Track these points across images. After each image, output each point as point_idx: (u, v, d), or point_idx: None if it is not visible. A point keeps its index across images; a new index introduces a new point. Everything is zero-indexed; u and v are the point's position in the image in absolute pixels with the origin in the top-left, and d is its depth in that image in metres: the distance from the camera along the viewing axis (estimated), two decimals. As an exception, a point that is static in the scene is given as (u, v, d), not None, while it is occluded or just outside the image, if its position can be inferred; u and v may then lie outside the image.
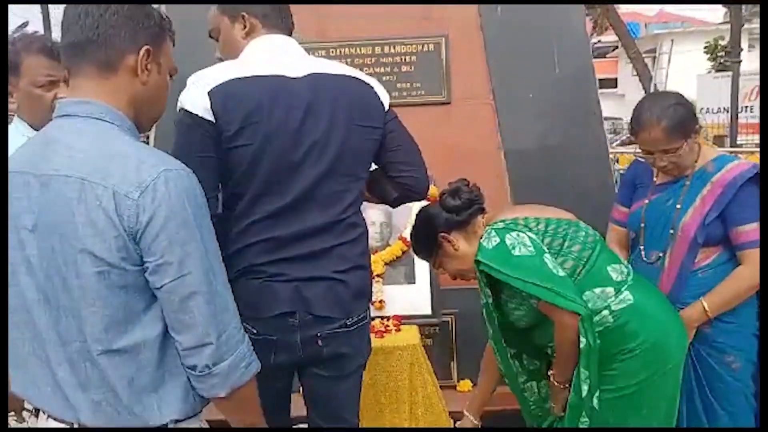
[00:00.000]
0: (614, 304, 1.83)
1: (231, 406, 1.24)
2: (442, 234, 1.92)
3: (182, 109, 1.51)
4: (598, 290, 1.84)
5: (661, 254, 2.09)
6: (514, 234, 1.81)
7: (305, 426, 1.84)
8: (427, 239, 1.97)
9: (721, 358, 2.01)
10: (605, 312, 1.83)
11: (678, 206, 2.06)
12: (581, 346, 1.76)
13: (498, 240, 1.81)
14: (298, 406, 1.81)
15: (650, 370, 1.83)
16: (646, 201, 2.15)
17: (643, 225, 2.15)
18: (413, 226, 2.04)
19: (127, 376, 1.15)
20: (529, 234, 1.82)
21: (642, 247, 2.15)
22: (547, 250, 1.81)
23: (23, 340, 1.20)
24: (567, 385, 1.88)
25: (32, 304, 1.17)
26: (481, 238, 1.86)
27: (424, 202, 2.06)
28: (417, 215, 2.03)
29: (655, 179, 2.16)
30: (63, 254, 1.11)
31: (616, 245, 2.27)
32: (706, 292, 2.01)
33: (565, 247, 1.85)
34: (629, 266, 1.98)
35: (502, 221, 1.87)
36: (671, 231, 2.06)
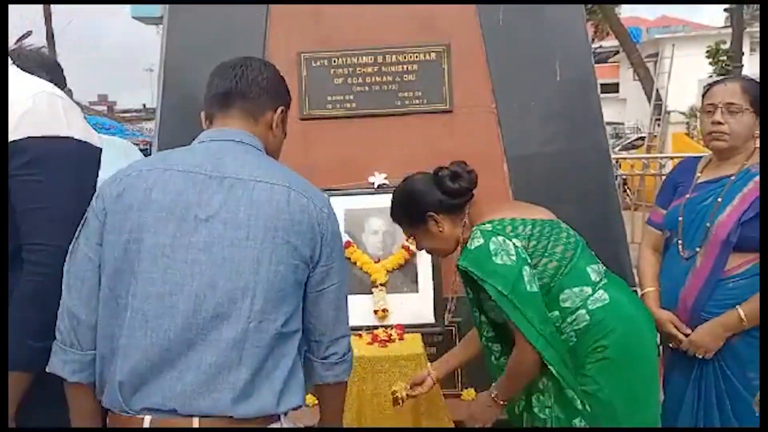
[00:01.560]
0: (590, 303, 1.82)
1: (341, 391, 1.48)
2: (431, 213, 1.90)
3: None
4: (576, 289, 1.82)
5: (697, 249, 2.02)
6: (500, 239, 1.76)
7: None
8: (413, 214, 1.94)
9: (743, 374, 1.92)
10: (582, 311, 1.81)
11: (719, 200, 2.00)
12: (554, 374, 1.74)
13: (482, 242, 1.77)
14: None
15: (624, 368, 1.80)
16: (687, 196, 2.09)
17: (681, 218, 2.08)
18: (395, 194, 1.99)
19: (285, 354, 1.29)
20: (515, 241, 1.77)
21: (680, 241, 2.07)
22: (529, 261, 1.78)
23: (144, 330, 1.22)
24: (503, 403, 1.88)
25: (179, 289, 1.23)
26: (468, 238, 1.84)
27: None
28: (404, 185, 1.98)
29: (698, 174, 2.11)
30: (263, 242, 1.26)
31: (650, 249, 2.23)
32: (735, 304, 1.92)
33: (549, 248, 1.83)
34: (604, 267, 1.93)
35: (490, 222, 1.82)
36: (708, 225, 1.99)
